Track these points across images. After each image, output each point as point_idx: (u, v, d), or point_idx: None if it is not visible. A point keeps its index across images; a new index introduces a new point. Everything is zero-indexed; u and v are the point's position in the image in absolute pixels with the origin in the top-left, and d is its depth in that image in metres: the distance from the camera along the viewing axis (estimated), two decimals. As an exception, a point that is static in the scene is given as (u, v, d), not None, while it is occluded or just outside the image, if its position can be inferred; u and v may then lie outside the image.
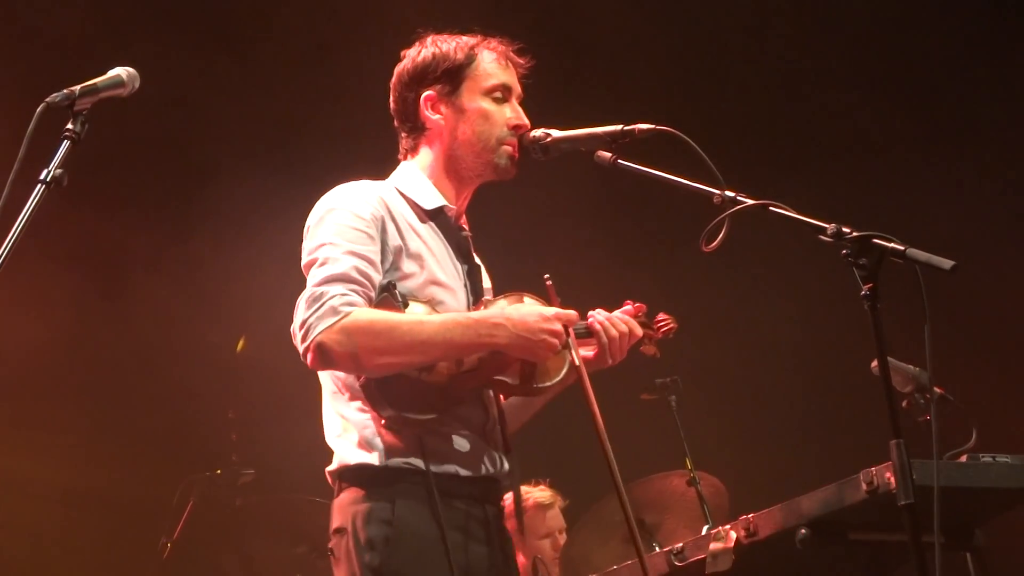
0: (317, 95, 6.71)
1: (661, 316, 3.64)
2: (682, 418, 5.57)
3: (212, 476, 6.03)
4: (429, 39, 3.48)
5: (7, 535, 6.34)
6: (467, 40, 3.46)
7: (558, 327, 3.21)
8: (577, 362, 3.27)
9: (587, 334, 3.42)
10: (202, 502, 5.98)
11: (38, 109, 2.81)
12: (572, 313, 3.29)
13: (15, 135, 2.78)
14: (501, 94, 3.42)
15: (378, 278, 3.20)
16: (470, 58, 3.41)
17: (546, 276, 3.40)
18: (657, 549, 5.46)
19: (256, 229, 6.56)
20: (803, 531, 3.46)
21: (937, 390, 3.62)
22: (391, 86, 3.51)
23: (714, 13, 7.00)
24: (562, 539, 5.83)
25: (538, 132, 3.40)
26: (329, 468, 3.30)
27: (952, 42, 6.84)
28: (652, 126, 3.25)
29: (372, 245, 3.22)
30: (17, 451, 6.31)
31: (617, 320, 3.43)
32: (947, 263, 2.71)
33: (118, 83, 2.97)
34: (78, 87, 2.88)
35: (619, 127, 3.27)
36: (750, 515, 3.61)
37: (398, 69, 3.49)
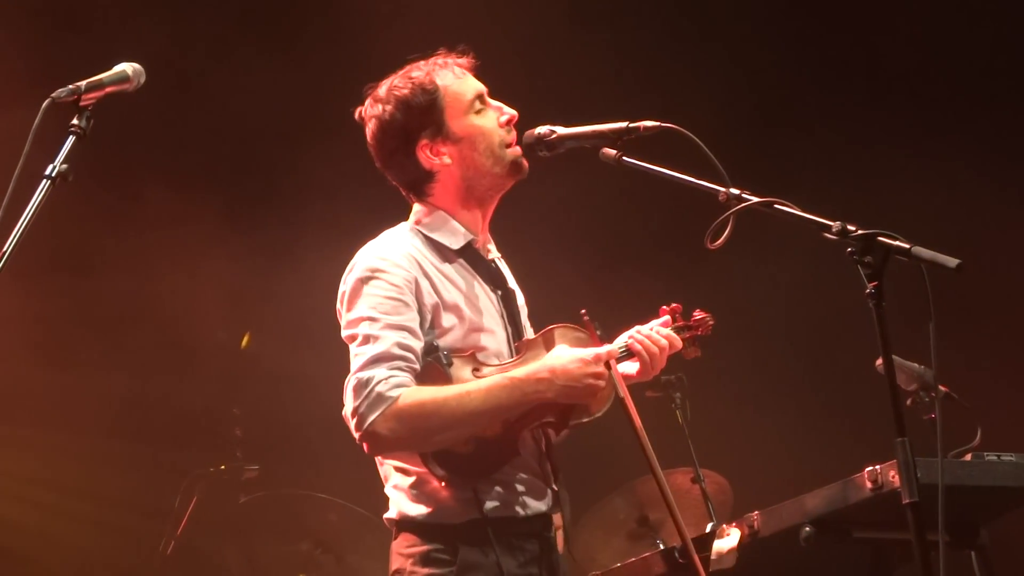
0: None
1: (697, 314, 3.63)
2: (687, 415, 5.57)
3: (216, 472, 6.03)
4: (382, 93, 3.40)
5: (9, 533, 6.34)
6: (418, 75, 3.39)
7: (601, 369, 3.25)
8: (622, 394, 3.29)
9: (628, 355, 3.44)
10: (206, 498, 5.98)
11: (43, 104, 2.81)
12: (612, 349, 3.33)
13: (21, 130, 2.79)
14: (479, 103, 3.40)
15: (420, 345, 3.22)
16: (433, 90, 3.36)
17: (583, 311, 3.39)
18: (661, 546, 5.47)
19: (259, 227, 6.57)
20: (807, 529, 3.46)
21: (942, 388, 3.62)
22: (371, 148, 3.45)
23: (713, 10, 7.00)
24: None
25: (543, 129, 3.39)
26: (387, 515, 3.35)
27: (953, 37, 6.83)
28: (657, 123, 3.24)
29: (410, 312, 3.24)
30: (18, 448, 6.31)
31: (657, 337, 3.46)
32: (953, 261, 2.71)
33: (123, 78, 2.97)
34: (84, 82, 2.89)
35: (624, 124, 3.26)
36: (754, 513, 3.60)
37: (371, 137, 3.43)
